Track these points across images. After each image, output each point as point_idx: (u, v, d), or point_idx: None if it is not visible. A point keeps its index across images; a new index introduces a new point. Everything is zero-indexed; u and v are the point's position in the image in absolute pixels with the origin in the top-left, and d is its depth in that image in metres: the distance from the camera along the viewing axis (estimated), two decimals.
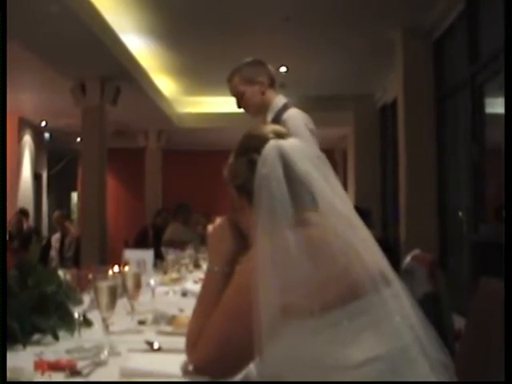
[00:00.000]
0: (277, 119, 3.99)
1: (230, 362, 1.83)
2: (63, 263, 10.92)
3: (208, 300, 1.98)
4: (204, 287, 2.08)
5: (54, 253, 11.54)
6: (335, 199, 1.83)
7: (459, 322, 2.16)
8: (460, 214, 8.08)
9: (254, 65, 4.21)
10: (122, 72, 10.09)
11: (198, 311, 2.01)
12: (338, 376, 1.68)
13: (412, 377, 1.71)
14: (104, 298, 2.21)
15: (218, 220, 2.16)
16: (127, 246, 11.40)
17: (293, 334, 1.72)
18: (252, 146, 1.93)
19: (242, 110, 4.32)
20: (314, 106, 8.59)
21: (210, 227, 2.16)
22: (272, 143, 1.87)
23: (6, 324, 2.19)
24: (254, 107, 4.20)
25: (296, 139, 1.94)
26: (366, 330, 1.72)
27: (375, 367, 1.69)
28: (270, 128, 2.01)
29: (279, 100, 4.14)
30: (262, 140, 1.90)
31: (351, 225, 1.83)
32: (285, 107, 4.05)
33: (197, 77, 12.12)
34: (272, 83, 4.19)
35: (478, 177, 7.32)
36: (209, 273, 2.09)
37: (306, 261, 1.74)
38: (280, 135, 1.94)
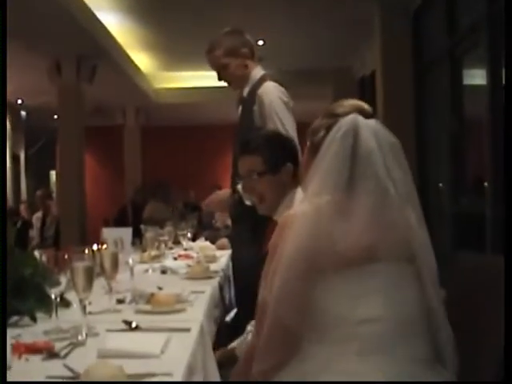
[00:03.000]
0: (253, 92, 3.95)
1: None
2: (44, 242, 10.88)
3: None
4: None
5: (35, 232, 11.49)
6: (387, 181, 1.96)
7: (440, 294, 2.16)
8: (440, 185, 8.08)
9: (235, 35, 4.12)
10: (97, 50, 9.99)
11: None
12: (340, 329, 1.85)
13: (407, 349, 1.84)
14: (80, 279, 2.18)
15: None
16: (107, 224, 11.36)
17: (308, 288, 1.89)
18: (338, 112, 2.10)
19: (219, 84, 4.26)
20: (292, 79, 8.50)
21: None
22: (352, 116, 2.04)
23: (5, 323, 2.17)
24: (236, 79, 4.12)
25: (377, 122, 2.08)
26: (376, 292, 1.87)
27: (374, 328, 1.83)
28: (358, 104, 2.15)
29: (257, 72, 4.07)
30: (347, 111, 2.07)
31: (400, 204, 1.99)
32: (261, 80, 3.99)
33: (173, 52, 12.02)
34: (253, 55, 4.13)
35: (458, 149, 7.33)
36: None
37: (336, 223, 1.92)
38: (364, 114, 2.08)
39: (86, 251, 2.23)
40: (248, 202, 3.37)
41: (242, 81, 4.08)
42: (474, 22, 6.60)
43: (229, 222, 6.39)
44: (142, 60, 12.60)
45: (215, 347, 2.76)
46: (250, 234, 3.66)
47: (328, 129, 2.05)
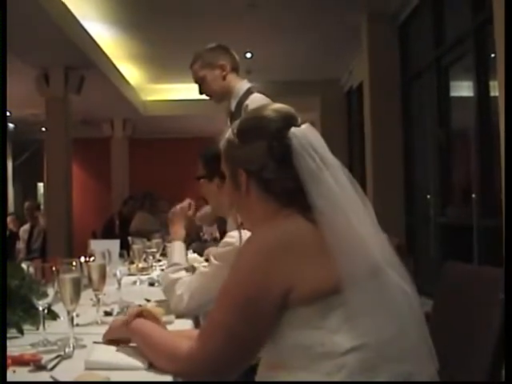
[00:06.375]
0: (240, 104, 3.97)
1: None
2: (30, 255, 10.84)
3: None
4: None
5: (21, 244, 11.44)
6: (347, 187, 1.91)
7: (427, 305, 2.16)
8: (428, 196, 8.10)
9: (215, 49, 4.20)
10: (85, 61, 9.96)
11: None
12: (325, 363, 1.69)
13: (397, 369, 1.71)
14: (68, 291, 2.17)
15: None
16: (95, 236, 11.34)
17: (286, 323, 1.73)
18: (271, 130, 1.87)
19: (206, 97, 4.29)
20: (280, 91, 8.54)
21: None
22: (296, 130, 1.84)
23: (5, 323, 2.15)
24: (215, 92, 4.17)
25: (307, 124, 1.89)
26: (356, 317, 1.71)
27: (360, 355, 1.68)
28: (285, 111, 1.93)
29: (243, 85, 4.12)
30: (281, 126, 1.86)
31: (359, 215, 1.91)
32: (248, 92, 4.04)
33: (161, 64, 12.02)
34: (234, 68, 4.17)
35: (445, 160, 7.35)
36: None
37: (309, 248, 1.76)
38: (294, 119, 1.90)
39: (74, 263, 2.22)
40: None
41: (222, 93, 4.14)
42: (461, 33, 6.63)
43: (216, 234, 6.38)
44: (130, 72, 12.59)
45: None
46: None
47: (271, 152, 1.86)
